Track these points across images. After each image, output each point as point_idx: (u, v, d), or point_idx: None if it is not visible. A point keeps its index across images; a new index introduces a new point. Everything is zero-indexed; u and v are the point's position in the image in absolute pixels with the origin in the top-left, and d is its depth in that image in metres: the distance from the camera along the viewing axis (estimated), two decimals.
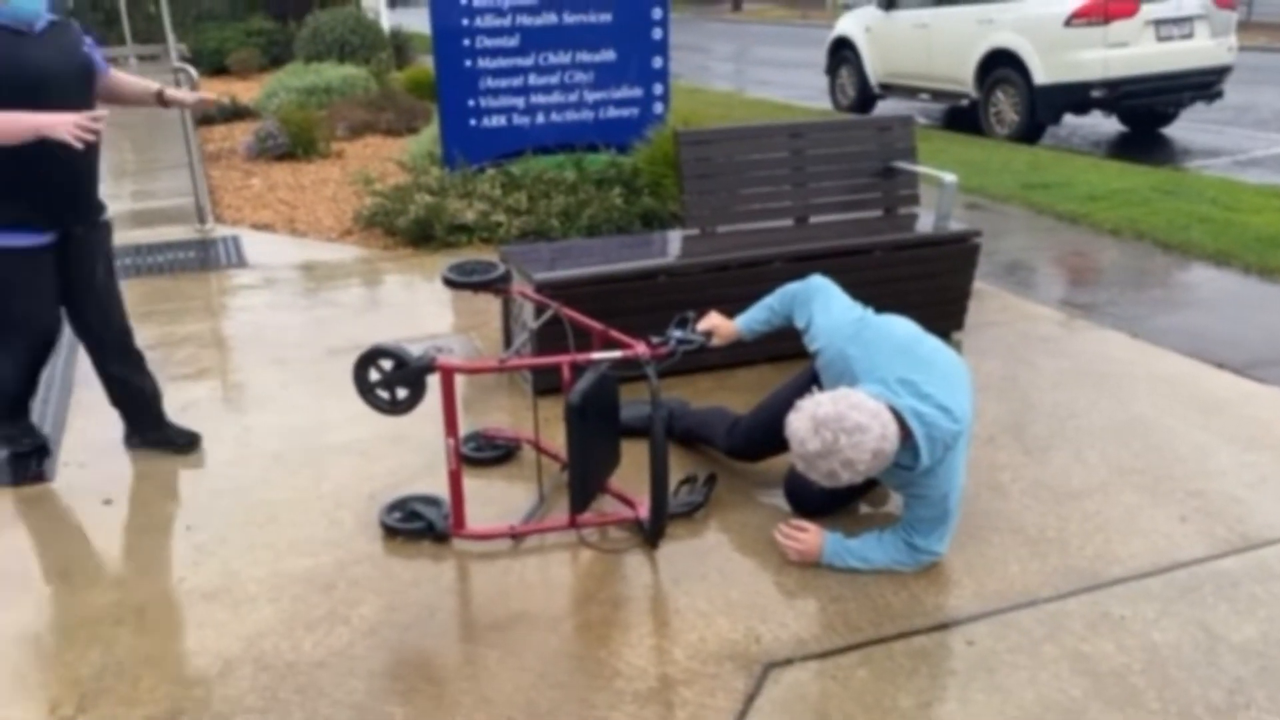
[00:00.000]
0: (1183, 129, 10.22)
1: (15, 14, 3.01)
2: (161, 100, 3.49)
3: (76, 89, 3.15)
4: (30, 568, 2.94)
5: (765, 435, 3.21)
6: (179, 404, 3.91)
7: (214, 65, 14.51)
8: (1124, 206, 6.66)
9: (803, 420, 2.57)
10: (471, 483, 3.07)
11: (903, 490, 2.86)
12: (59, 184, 3.14)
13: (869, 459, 2.52)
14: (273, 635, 2.64)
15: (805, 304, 3.01)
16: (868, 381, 2.67)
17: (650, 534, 2.97)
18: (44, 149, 2.95)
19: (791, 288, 3.09)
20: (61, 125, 2.92)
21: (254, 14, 16.76)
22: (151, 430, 3.59)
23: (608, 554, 2.96)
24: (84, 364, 4.32)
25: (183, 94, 3.53)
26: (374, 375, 2.89)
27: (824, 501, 3.07)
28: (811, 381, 2.96)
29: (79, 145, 2.94)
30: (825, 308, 2.96)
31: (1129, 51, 8.96)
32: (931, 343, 2.83)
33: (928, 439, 2.60)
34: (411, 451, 3.48)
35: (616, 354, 2.91)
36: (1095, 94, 9.03)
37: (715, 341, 3.13)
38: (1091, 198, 6.91)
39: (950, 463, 2.71)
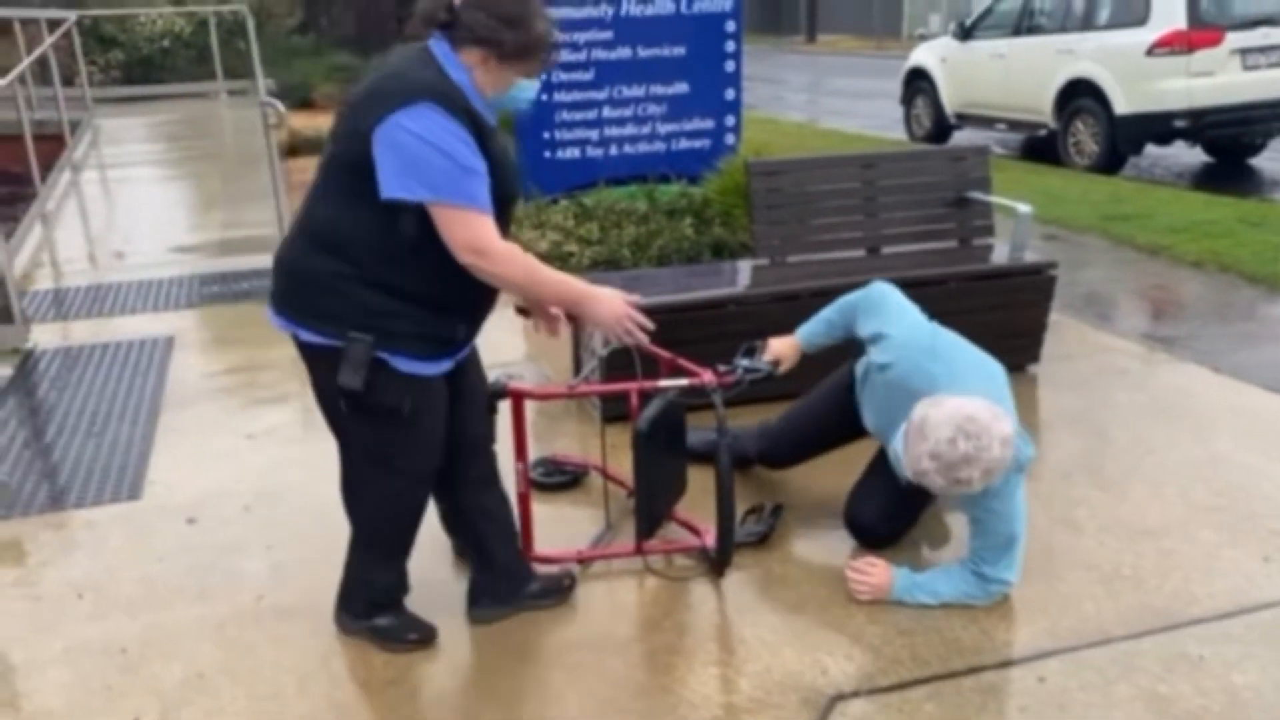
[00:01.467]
0: (1271, 159, 9.94)
1: (517, 101, 2.41)
2: (521, 311, 2.90)
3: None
4: (117, 583, 3.06)
5: (797, 439, 3.25)
6: (263, 427, 4.04)
7: (299, 99, 14.99)
8: (1207, 238, 6.49)
9: (953, 417, 2.43)
10: (539, 507, 3.11)
11: (965, 509, 2.83)
12: (485, 300, 2.62)
13: (999, 474, 2.50)
14: (347, 652, 2.70)
15: (869, 314, 2.98)
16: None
17: (716, 562, 2.97)
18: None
19: (851, 298, 3.06)
20: (618, 316, 2.49)
21: (338, 50, 17.26)
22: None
23: (673, 581, 2.97)
24: (172, 386, 4.50)
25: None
26: None
27: (885, 525, 3.06)
28: (847, 388, 2.96)
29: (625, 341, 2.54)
30: (896, 318, 2.93)
31: (1214, 81, 8.76)
32: (993, 364, 2.83)
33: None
34: None
35: (683, 382, 2.94)
36: (1178, 124, 8.84)
37: (782, 369, 3.13)
38: (1174, 229, 6.75)
39: (1011, 486, 2.69)
